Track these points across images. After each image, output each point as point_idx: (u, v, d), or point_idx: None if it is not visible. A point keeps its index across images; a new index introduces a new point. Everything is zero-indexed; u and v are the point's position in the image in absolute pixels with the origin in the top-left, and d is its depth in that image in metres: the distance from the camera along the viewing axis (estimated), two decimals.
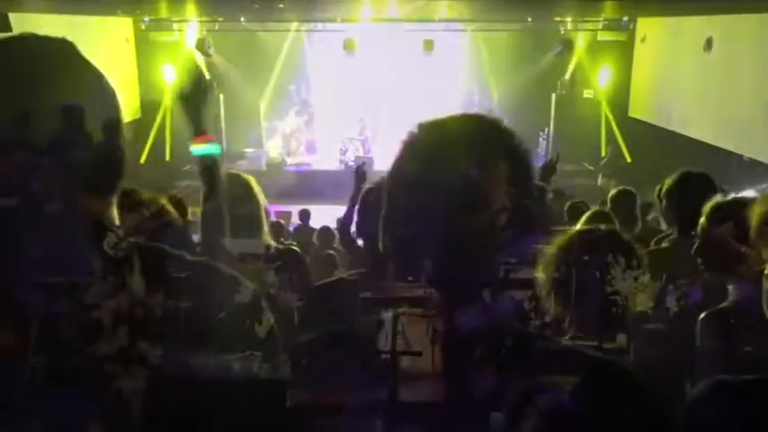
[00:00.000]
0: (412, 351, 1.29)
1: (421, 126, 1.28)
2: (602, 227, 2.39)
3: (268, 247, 3.09)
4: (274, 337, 1.38)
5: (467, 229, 1.25)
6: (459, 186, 1.22)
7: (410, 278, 1.40)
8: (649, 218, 6.00)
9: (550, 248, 2.22)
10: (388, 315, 1.32)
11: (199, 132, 2.38)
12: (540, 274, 2.17)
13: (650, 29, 14.27)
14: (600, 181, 13.46)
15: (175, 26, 14.45)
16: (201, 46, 14.36)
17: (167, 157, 14.48)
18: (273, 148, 15.64)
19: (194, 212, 3.97)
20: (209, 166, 2.50)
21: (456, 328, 1.27)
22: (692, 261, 2.65)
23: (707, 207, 2.62)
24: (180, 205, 3.70)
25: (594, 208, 4.49)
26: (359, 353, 1.38)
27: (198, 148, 2.43)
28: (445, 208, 1.24)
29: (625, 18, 13.99)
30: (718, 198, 2.66)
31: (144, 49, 14.34)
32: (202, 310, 1.30)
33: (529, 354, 1.28)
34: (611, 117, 15.00)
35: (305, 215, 9.68)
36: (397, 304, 1.35)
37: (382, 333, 1.27)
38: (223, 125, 15.21)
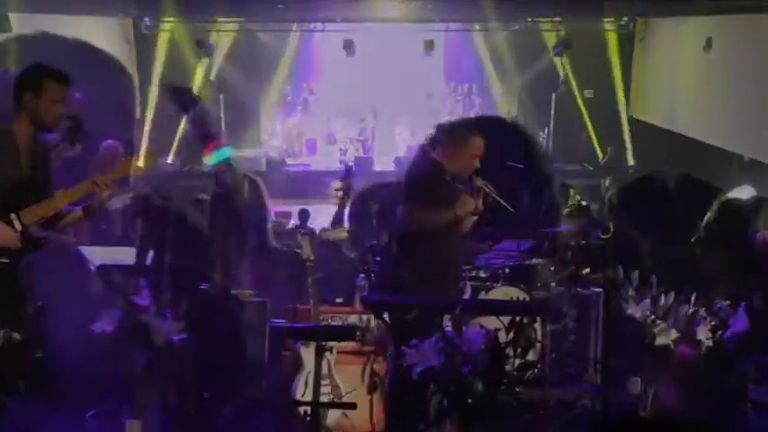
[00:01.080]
0: (342, 403, 1.06)
1: None
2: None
3: None
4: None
5: (424, 226, 1.10)
6: (426, 175, 1.12)
7: (339, 299, 1.21)
8: None
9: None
10: (309, 351, 1.08)
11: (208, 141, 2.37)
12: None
13: (650, 29, 14.26)
14: (604, 182, 13.42)
15: (176, 26, 14.42)
16: (202, 46, 14.34)
17: (169, 159, 14.44)
18: (273, 148, 15.62)
19: None
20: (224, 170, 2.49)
21: (404, 369, 1.03)
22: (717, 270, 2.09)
23: (716, 207, 2.21)
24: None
25: (573, 205, 4.37)
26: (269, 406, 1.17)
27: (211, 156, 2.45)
28: (405, 201, 1.13)
29: (625, 18, 13.98)
30: (731, 196, 2.33)
31: (144, 49, 14.30)
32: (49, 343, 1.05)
33: (504, 405, 1.04)
34: (622, 117, 14.93)
35: (304, 215, 9.65)
36: (321, 336, 1.09)
37: (301, 377, 0.98)
38: (223, 125, 15.20)
